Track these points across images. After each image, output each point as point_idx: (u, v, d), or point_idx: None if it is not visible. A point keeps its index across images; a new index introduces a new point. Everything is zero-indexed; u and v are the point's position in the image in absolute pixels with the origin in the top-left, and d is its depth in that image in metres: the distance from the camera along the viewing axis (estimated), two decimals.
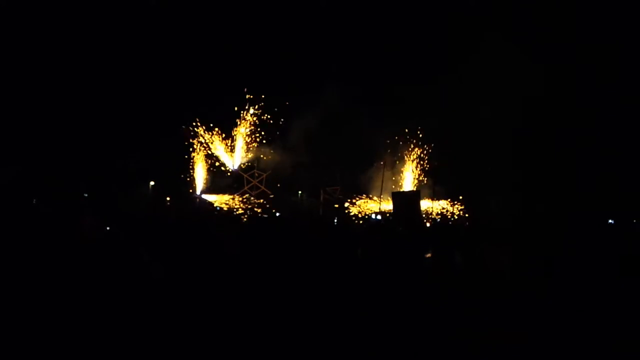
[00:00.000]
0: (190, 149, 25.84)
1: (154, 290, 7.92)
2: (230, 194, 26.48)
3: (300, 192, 28.57)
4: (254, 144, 26.57)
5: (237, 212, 24.42)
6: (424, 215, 21.59)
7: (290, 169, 26.18)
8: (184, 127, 25.35)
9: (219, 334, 6.77)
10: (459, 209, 23.48)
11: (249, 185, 27.19)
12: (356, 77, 25.06)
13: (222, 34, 25.78)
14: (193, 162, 26.10)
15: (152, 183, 27.74)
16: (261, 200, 25.89)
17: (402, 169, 24.97)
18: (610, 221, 21.66)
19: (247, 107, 25.91)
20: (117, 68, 25.35)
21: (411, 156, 24.92)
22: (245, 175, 27.18)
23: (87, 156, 24.81)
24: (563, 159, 23.27)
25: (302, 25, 25.33)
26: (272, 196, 26.73)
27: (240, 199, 26.30)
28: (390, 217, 21.13)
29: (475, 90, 22.83)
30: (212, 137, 26.21)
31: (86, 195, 21.40)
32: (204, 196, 26.31)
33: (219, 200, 26.06)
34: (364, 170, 25.01)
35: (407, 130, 24.73)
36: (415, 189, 23.65)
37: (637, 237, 16.54)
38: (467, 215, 22.82)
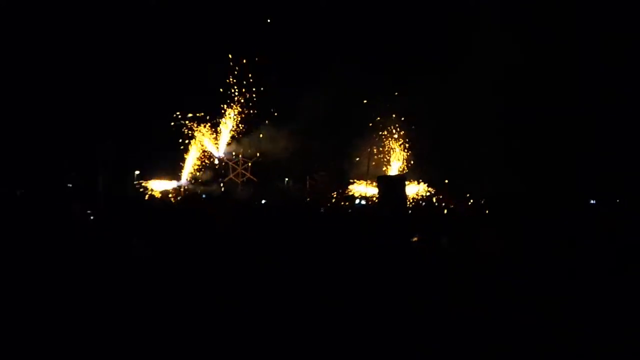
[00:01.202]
0: (178, 138, 25.71)
1: (142, 272, 7.95)
2: (216, 182, 26.44)
3: (286, 178, 28.56)
4: (239, 130, 26.45)
5: (222, 199, 24.44)
6: (410, 200, 21.74)
7: (276, 156, 26.12)
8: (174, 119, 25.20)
9: (207, 319, 6.82)
10: (443, 192, 23.66)
11: (234, 173, 27.12)
12: (342, 63, 25.01)
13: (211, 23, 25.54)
14: (180, 150, 26.00)
15: (137, 172, 27.59)
16: (241, 188, 25.89)
17: (388, 154, 25.06)
18: (592, 202, 22.02)
19: (234, 94, 25.74)
20: (102, 56, 25.04)
21: (397, 140, 24.99)
22: (230, 163, 27.10)
23: (70, 145, 24.56)
24: (546, 140, 23.46)
25: (294, 18, 25.18)
26: (257, 183, 26.73)
27: (226, 186, 26.29)
28: (376, 202, 21.24)
29: (459, 71, 22.87)
30: (198, 125, 26.10)
31: (70, 185, 21.22)
32: (188, 183, 26.26)
33: (202, 188, 26.05)
34: (350, 155, 25.03)
35: (393, 116, 24.75)
36: (400, 173, 23.76)
37: (619, 217, 16.89)
38: (451, 198, 23.00)
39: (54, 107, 24.43)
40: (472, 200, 22.09)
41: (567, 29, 22.48)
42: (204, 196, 24.18)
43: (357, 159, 24.54)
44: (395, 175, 22.59)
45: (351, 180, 24.83)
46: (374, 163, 24.36)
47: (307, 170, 26.97)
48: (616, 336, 6.59)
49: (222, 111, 26.18)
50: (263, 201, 23.66)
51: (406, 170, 24.45)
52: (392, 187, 18.65)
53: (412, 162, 24.76)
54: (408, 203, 21.13)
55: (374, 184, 22.97)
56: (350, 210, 22.03)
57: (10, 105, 23.90)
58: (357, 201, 23.06)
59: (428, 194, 23.66)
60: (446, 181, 23.74)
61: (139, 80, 25.03)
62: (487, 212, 19.89)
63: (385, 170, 24.64)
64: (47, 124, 24.11)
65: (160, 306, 7.12)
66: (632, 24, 22.07)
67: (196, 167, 26.64)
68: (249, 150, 26.91)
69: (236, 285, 8.12)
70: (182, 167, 26.34)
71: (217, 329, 6.72)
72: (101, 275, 7.92)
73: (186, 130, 25.99)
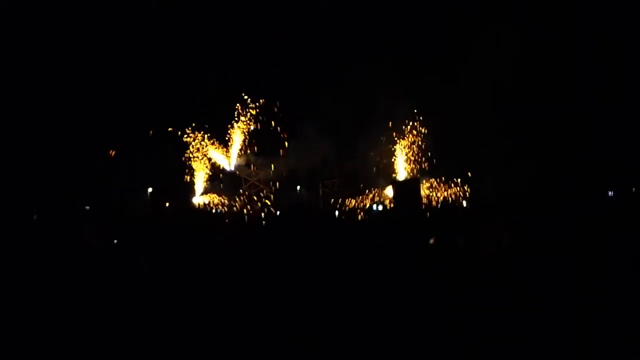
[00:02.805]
0: (188, 153, 25.84)
1: (151, 296, 7.99)
2: (228, 194, 26.51)
3: (299, 187, 28.55)
4: (250, 143, 26.57)
5: (236, 212, 24.50)
6: (424, 201, 21.63)
7: (288, 165, 26.17)
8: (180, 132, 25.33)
9: (218, 335, 6.81)
10: (457, 191, 23.50)
11: (247, 184, 27.19)
12: (348, 68, 24.98)
13: (218, 37, 25.67)
14: (191, 166, 26.11)
15: (150, 190, 27.72)
16: (257, 202, 25.89)
17: (398, 157, 24.95)
18: (609, 193, 21.73)
19: (243, 107, 25.88)
20: (112, 75, 25.26)
21: (407, 142, 24.89)
22: (243, 175, 27.18)
23: (83, 165, 24.75)
24: (560, 134, 23.27)
25: (298, 25, 25.24)
26: (270, 193, 26.74)
27: (240, 198, 26.34)
28: (391, 206, 21.17)
29: (469, 73, 22.77)
30: (209, 140, 26.22)
31: (88, 207, 21.40)
32: (202, 198, 26.33)
33: (216, 200, 26.11)
34: (360, 160, 24.99)
35: (403, 120, 24.70)
36: (413, 176, 23.67)
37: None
38: (466, 197, 22.84)
39: (67, 132, 24.66)
40: (486, 198, 21.93)
41: (582, 30, 22.38)
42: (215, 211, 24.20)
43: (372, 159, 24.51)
44: (409, 179, 22.52)
45: (363, 186, 24.78)
46: (385, 163, 24.32)
47: (319, 178, 26.95)
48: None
49: (232, 124, 26.35)
50: (277, 212, 23.68)
51: (418, 174, 24.32)
52: (406, 191, 18.65)
53: (425, 164, 24.61)
54: (423, 205, 21.04)
55: (388, 188, 22.94)
56: (367, 217, 21.98)
57: (25, 129, 24.13)
58: (374, 207, 23.00)
59: (443, 193, 23.53)
60: (458, 180, 23.60)
61: (150, 98, 25.22)
62: (501, 210, 19.75)
63: (395, 173, 24.55)
64: (61, 149, 24.32)
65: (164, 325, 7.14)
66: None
67: (209, 181, 26.79)
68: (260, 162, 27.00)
69: (250, 296, 8.15)
70: (194, 183, 26.46)
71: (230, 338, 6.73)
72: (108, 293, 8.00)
73: (197, 145, 26.15)
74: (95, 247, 9.99)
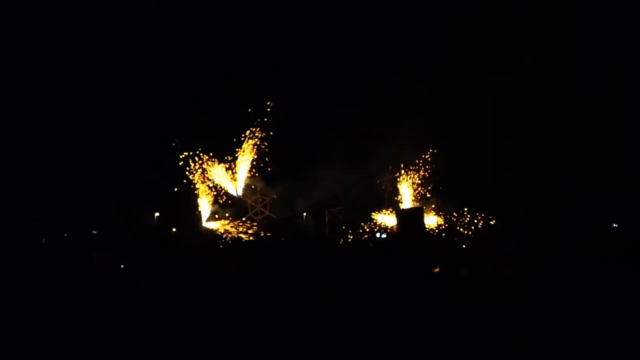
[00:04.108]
0: (193, 179, 25.93)
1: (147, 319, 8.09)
2: (234, 221, 26.52)
3: (305, 214, 28.62)
4: (255, 169, 26.66)
5: (243, 239, 24.52)
6: (428, 230, 21.67)
7: (293, 192, 26.25)
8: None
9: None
10: (462, 221, 23.52)
11: (253, 211, 27.23)
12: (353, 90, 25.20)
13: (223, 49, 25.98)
14: (196, 192, 26.17)
15: (157, 214, 27.83)
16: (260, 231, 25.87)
17: (403, 184, 25.05)
18: (614, 225, 21.69)
19: (248, 134, 26.02)
20: (117, 92, 25.56)
21: (411, 172, 25.00)
22: (249, 201, 27.24)
23: (90, 188, 24.90)
24: (564, 164, 23.33)
25: (302, 38, 25.53)
26: (276, 220, 26.78)
27: (245, 225, 26.36)
28: (395, 234, 21.21)
29: (474, 98, 22.96)
30: (214, 165, 26.33)
31: (95, 232, 21.54)
32: (209, 224, 26.38)
33: (222, 226, 26.12)
34: (365, 187, 25.08)
35: (407, 147, 24.82)
36: (417, 205, 23.73)
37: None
38: (470, 227, 22.85)
39: (74, 154, 24.85)
40: (490, 225, 21.93)
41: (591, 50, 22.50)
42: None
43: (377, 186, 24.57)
44: (413, 208, 22.61)
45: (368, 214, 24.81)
46: (390, 190, 24.37)
47: (325, 205, 27.00)
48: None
49: (238, 150, 26.48)
50: (282, 239, 23.71)
51: (421, 202, 24.36)
52: (410, 220, 18.73)
53: (428, 192, 24.67)
54: (427, 234, 21.08)
55: (392, 214, 22.99)
56: (371, 244, 22.01)
57: (31, 149, 24.32)
58: (378, 235, 23.06)
59: (446, 224, 23.54)
60: (464, 210, 23.62)
61: (154, 118, 25.44)
62: (504, 237, 19.76)
63: (400, 200, 24.61)
64: (68, 172, 24.49)
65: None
66: None
67: (215, 206, 26.81)
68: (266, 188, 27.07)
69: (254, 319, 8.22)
70: (200, 207, 26.51)
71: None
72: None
73: (202, 170, 26.27)
74: (102, 270, 10.13)
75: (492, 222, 22.17)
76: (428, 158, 24.50)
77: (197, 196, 26.29)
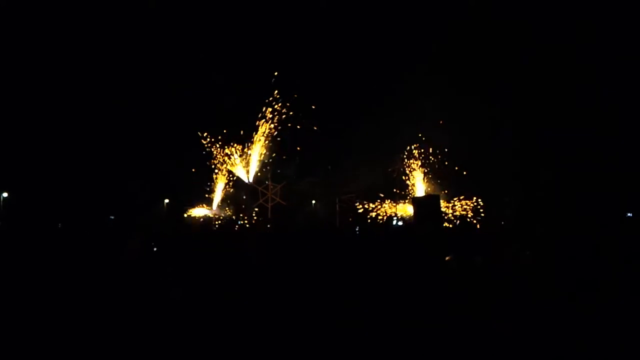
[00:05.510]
0: (209, 164, 26.06)
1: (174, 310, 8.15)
2: (246, 207, 26.67)
3: (313, 201, 28.69)
4: (268, 156, 26.71)
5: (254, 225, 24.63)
6: (444, 218, 21.69)
7: (305, 180, 26.32)
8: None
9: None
10: (476, 209, 23.51)
11: (263, 198, 27.34)
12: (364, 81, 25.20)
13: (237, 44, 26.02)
14: (209, 178, 26.32)
15: (166, 201, 27.95)
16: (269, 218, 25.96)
17: (416, 173, 25.02)
18: (629, 214, 21.59)
19: (264, 118, 26.06)
20: (130, 85, 25.70)
21: (425, 159, 24.97)
22: (259, 188, 27.34)
23: (107, 174, 25.09)
24: (579, 153, 23.23)
25: (310, 37, 25.57)
26: (287, 207, 26.87)
27: (255, 211, 26.48)
28: (411, 222, 21.17)
29: (485, 90, 22.87)
30: (228, 151, 26.43)
31: (112, 217, 21.70)
32: (219, 210, 26.50)
33: (233, 213, 26.25)
34: (378, 175, 25.08)
35: (420, 135, 24.81)
36: (433, 193, 23.72)
37: None
38: (484, 216, 22.85)
39: (89, 143, 25.04)
40: (505, 218, 21.91)
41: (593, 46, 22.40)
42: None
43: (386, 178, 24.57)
44: (430, 195, 22.57)
45: (379, 202, 24.83)
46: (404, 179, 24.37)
47: (336, 193, 27.05)
48: None
49: (252, 138, 26.56)
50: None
51: (439, 190, 24.33)
52: (428, 207, 18.64)
53: (445, 179, 24.63)
54: (443, 223, 21.07)
55: (406, 203, 22.99)
56: (387, 232, 21.98)
57: (46, 140, 24.51)
58: (394, 222, 23.07)
59: (462, 211, 23.54)
60: (478, 198, 23.61)
61: (168, 108, 25.54)
62: (520, 229, 19.71)
63: (412, 189, 24.59)
64: (84, 158, 24.66)
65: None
66: None
67: (226, 193, 26.94)
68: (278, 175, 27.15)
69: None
70: (212, 195, 26.66)
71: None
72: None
73: (216, 157, 26.38)
74: (137, 258, 10.18)
75: (506, 211, 22.15)
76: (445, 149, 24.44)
77: (209, 181, 26.34)
